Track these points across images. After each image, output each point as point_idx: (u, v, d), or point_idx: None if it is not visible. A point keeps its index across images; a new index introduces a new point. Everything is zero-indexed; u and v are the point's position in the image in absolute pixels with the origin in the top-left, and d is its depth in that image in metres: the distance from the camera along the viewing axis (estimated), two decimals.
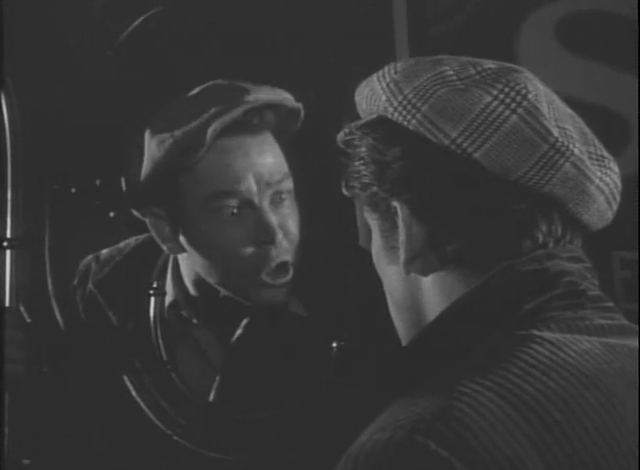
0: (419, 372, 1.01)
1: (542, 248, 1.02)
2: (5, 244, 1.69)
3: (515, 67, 1.06)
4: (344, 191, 1.11)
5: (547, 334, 0.97)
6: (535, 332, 0.97)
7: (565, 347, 0.96)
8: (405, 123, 1.03)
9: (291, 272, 1.64)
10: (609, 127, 1.94)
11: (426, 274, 1.05)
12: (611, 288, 2.06)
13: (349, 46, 2.18)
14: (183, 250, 1.68)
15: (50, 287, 1.74)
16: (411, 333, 1.08)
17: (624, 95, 2.04)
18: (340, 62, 2.10)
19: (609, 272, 2.09)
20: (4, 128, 1.71)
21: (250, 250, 1.62)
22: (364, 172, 1.06)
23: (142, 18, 1.91)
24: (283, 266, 1.64)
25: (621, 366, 0.97)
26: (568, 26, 2.20)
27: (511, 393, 0.91)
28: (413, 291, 1.07)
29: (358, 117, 1.11)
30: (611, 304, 1.05)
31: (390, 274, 1.09)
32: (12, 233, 1.69)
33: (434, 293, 1.05)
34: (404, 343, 1.10)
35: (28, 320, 1.68)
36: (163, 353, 1.72)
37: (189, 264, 1.70)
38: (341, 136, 1.10)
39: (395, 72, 1.06)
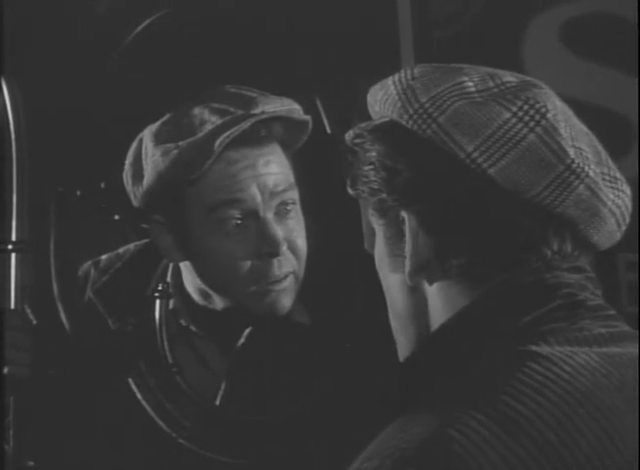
0: (418, 388, 1.00)
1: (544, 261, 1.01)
2: (10, 247, 1.69)
3: (534, 81, 1.04)
4: (349, 190, 1.09)
5: (544, 348, 0.96)
6: (532, 347, 0.96)
7: (560, 361, 0.94)
8: (420, 132, 1.01)
9: (289, 279, 1.63)
10: (613, 130, 1.94)
11: (431, 283, 1.03)
12: (616, 290, 2.06)
13: (354, 49, 2.18)
14: (184, 259, 1.67)
15: (55, 290, 1.74)
16: (412, 343, 1.07)
17: (629, 97, 2.04)
18: (344, 65, 2.10)
19: (614, 275, 2.09)
20: (9, 131, 1.71)
21: (252, 263, 1.60)
22: (373, 178, 1.04)
23: (147, 21, 1.92)
24: (284, 276, 1.62)
25: (620, 378, 0.96)
26: (572, 29, 2.20)
27: (503, 415, 0.90)
28: (416, 301, 1.06)
29: (364, 119, 1.10)
30: (612, 311, 1.03)
31: (393, 282, 1.07)
32: (17, 236, 1.69)
33: (438, 304, 1.04)
34: (404, 353, 1.08)
35: (34, 322, 1.68)
36: (169, 356, 1.71)
37: (192, 272, 1.69)
38: (350, 136, 1.08)
39: (413, 78, 1.04)
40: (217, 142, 1.56)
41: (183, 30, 1.98)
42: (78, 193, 1.77)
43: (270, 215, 1.61)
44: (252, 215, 1.60)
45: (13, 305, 1.67)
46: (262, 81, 1.70)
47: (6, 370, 1.62)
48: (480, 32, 2.25)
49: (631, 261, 2.08)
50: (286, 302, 1.64)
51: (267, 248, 1.60)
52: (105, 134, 1.85)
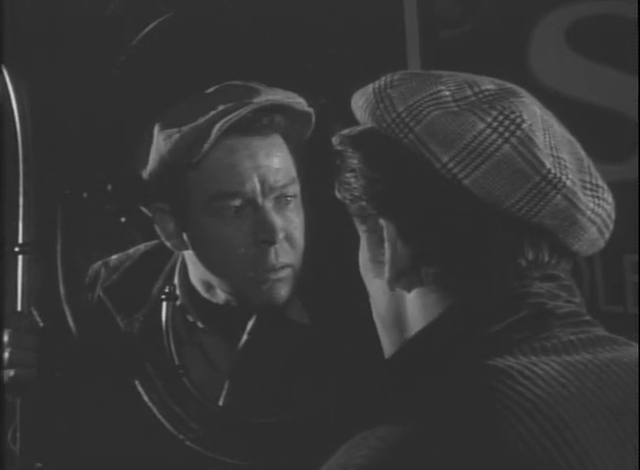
0: (385, 399, 1.01)
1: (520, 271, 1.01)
2: (17, 249, 1.69)
3: (514, 89, 1.05)
4: (337, 194, 1.11)
5: (505, 361, 0.96)
6: (495, 360, 0.96)
7: (516, 373, 0.95)
8: (397, 142, 1.02)
9: (287, 271, 1.64)
10: (618, 130, 1.94)
11: (409, 290, 1.05)
12: (621, 291, 2.06)
13: (360, 50, 2.18)
14: (186, 247, 1.68)
15: (62, 292, 1.74)
16: (394, 346, 1.08)
17: (635, 98, 2.04)
18: (350, 65, 2.10)
19: (619, 276, 2.08)
20: (16, 134, 1.71)
21: (249, 249, 1.62)
22: (354, 185, 1.06)
23: (154, 23, 1.92)
24: (281, 266, 1.64)
25: (580, 386, 0.96)
26: (579, 30, 2.20)
27: (450, 431, 0.90)
28: (397, 306, 1.07)
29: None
30: (587, 318, 1.03)
31: (376, 287, 1.09)
32: (24, 238, 1.70)
33: (416, 310, 1.05)
34: (388, 355, 1.10)
35: (41, 325, 1.68)
36: (175, 358, 1.72)
37: (195, 263, 1.70)
38: (335, 142, 1.09)
39: (391, 87, 1.05)
40: (217, 127, 1.58)
41: (189, 32, 1.99)
42: (85, 195, 1.78)
43: (269, 204, 1.63)
44: (251, 203, 1.62)
45: (19, 308, 1.68)
46: (267, 82, 1.71)
47: (12, 372, 1.63)
48: (486, 33, 2.25)
49: (637, 262, 2.07)
50: (283, 291, 1.65)
51: (264, 235, 1.62)
52: (111, 136, 1.86)
